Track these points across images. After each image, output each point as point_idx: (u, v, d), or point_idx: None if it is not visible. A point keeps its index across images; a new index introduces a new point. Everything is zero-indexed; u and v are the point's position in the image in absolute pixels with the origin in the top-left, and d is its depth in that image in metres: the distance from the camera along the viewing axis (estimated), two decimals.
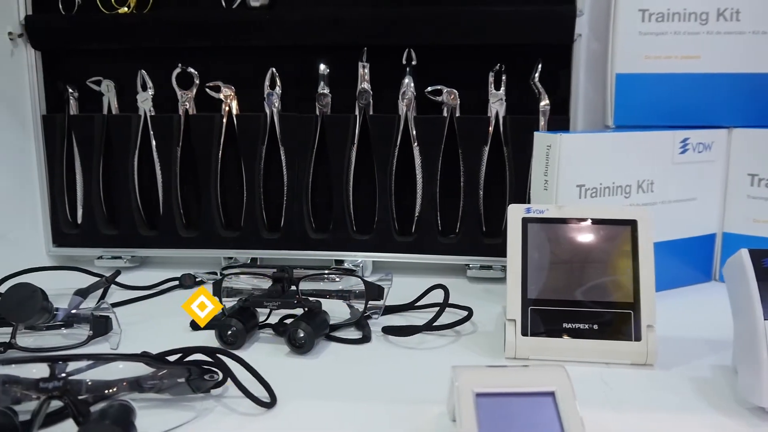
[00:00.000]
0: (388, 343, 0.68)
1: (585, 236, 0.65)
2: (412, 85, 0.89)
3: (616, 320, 0.62)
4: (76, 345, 0.67)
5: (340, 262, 0.93)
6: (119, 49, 0.93)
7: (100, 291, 0.81)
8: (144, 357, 0.54)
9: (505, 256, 0.65)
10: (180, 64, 0.93)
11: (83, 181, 0.96)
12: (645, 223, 0.64)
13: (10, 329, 0.65)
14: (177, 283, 0.88)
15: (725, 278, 0.58)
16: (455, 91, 0.89)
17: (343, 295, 0.73)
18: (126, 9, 0.92)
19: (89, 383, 0.51)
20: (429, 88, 0.89)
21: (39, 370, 0.49)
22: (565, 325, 0.62)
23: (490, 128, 0.89)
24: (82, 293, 0.75)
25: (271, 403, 0.54)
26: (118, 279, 0.83)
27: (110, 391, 0.51)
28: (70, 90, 0.95)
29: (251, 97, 0.93)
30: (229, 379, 0.54)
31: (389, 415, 0.53)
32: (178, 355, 0.56)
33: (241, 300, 0.70)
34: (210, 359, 0.55)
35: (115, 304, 0.76)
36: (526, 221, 0.65)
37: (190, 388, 0.53)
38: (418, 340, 0.68)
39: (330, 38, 0.89)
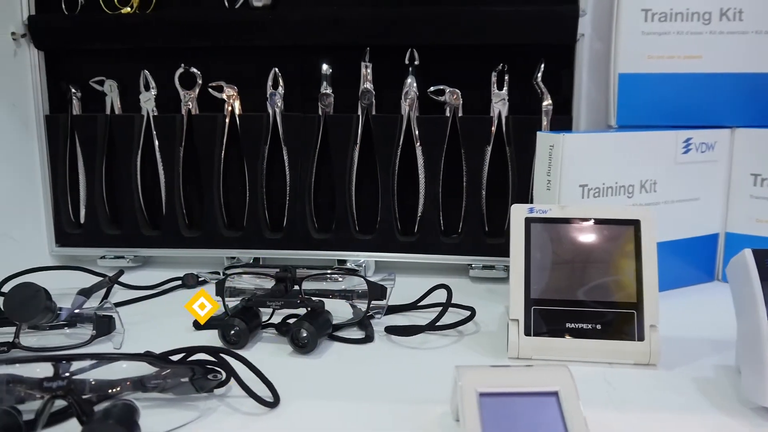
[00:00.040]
0: (390, 342, 0.68)
1: (588, 236, 0.65)
2: (415, 85, 0.89)
3: (619, 320, 0.61)
4: (80, 345, 0.67)
5: (342, 262, 0.93)
6: (122, 49, 0.94)
7: (104, 291, 0.81)
8: (147, 357, 0.54)
9: (507, 256, 0.65)
10: (183, 64, 0.93)
11: (86, 181, 0.97)
12: (648, 223, 0.64)
13: (13, 329, 0.65)
14: (180, 282, 0.88)
15: (729, 278, 0.58)
16: (458, 91, 0.89)
17: (346, 294, 0.73)
18: (129, 9, 0.92)
19: (93, 383, 0.51)
20: (432, 88, 0.89)
21: (43, 370, 0.49)
22: (568, 325, 0.62)
23: (493, 128, 0.89)
24: (86, 293, 0.75)
25: (274, 403, 0.54)
26: (121, 279, 0.83)
27: (114, 390, 0.51)
28: (73, 90, 0.95)
29: (254, 97, 0.93)
30: (232, 379, 0.54)
31: (392, 414, 0.53)
32: (182, 355, 0.57)
33: (244, 300, 0.70)
34: (213, 359, 0.55)
35: (118, 304, 0.76)
36: (529, 221, 0.65)
37: (194, 388, 0.53)
38: (421, 340, 0.68)
39: (333, 38, 0.89)
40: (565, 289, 0.63)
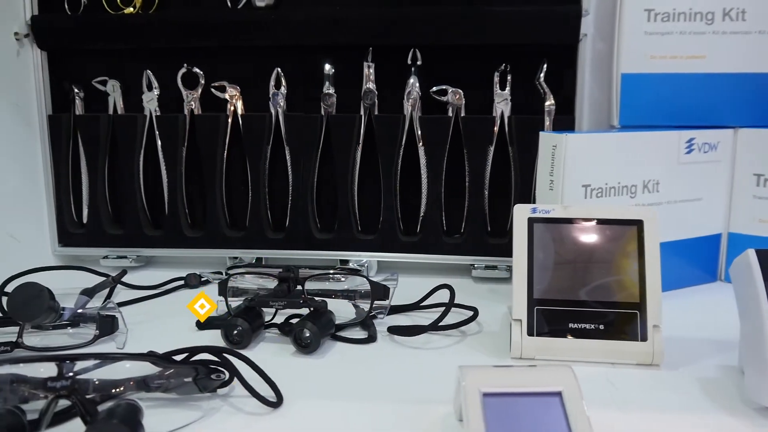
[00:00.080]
0: (393, 342, 0.68)
1: (591, 236, 0.65)
2: (417, 85, 0.89)
3: (622, 320, 0.62)
4: (83, 344, 0.67)
5: (345, 262, 0.93)
6: (125, 49, 0.94)
7: (107, 290, 0.81)
8: (151, 356, 0.54)
9: (510, 256, 0.65)
10: (185, 64, 0.93)
11: (89, 180, 0.97)
12: (651, 224, 0.64)
13: (16, 328, 0.65)
14: (182, 282, 0.88)
15: (732, 278, 0.58)
16: (460, 91, 0.89)
17: (348, 294, 0.73)
18: (132, 9, 0.92)
19: (96, 383, 0.51)
20: (434, 88, 0.89)
21: (46, 370, 0.49)
22: (571, 325, 0.62)
23: (495, 128, 0.89)
24: (89, 293, 0.75)
25: (277, 403, 0.54)
26: (124, 278, 0.84)
27: (117, 390, 0.51)
28: (76, 90, 0.95)
29: (256, 97, 0.93)
30: (235, 379, 0.55)
31: (395, 414, 0.53)
32: (185, 355, 0.57)
33: (246, 300, 0.70)
34: (216, 359, 0.56)
35: (120, 304, 0.76)
36: (531, 221, 0.65)
37: (197, 388, 0.53)
38: (424, 340, 0.68)
39: (335, 38, 0.89)
40: (568, 290, 0.63)
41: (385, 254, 0.92)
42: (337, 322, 0.69)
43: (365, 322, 0.71)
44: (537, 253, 0.64)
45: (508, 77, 0.88)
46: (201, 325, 0.72)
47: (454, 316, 0.70)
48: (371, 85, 0.90)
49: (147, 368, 0.53)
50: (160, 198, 0.96)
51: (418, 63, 0.89)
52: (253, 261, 0.95)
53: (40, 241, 0.97)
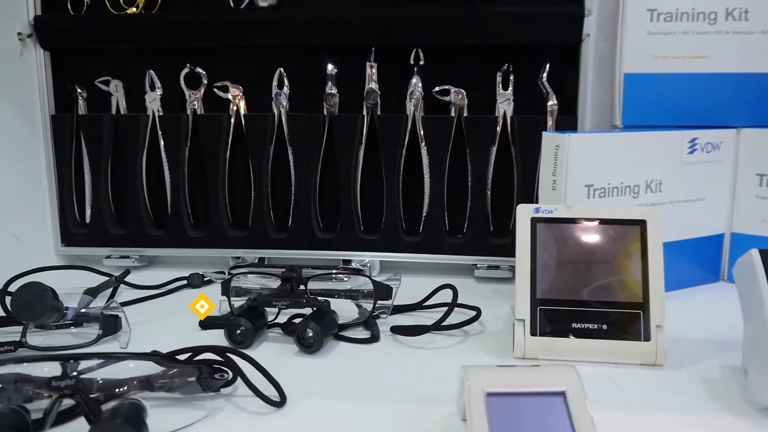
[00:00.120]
0: (396, 342, 0.68)
1: (594, 236, 0.65)
2: (420, 85, 0.89)
3: (625, 320, 0.62)
4: (86, 344, 0.67)
5: (347, 261, 0.93)
6: (128, 49, 0.94)
7: (110, 290, 0.81)
8: (154, 356, 0.54)
9: (512, 256, 0.65)
10: (188, 64, 0.93)
11: (92, 180, 0.97)
12: (654, 224, 0.64)
13: (20, 328, 0.65)
14: (185, 282, 0.88)
15: (735, 278, 0.58)
16: (463, 91, 0.89)
17: (351, 294, 0.73)
18: (134, 9, 0.92)
19: (100, 382, 0.51)
20: (437, 88, 0.89)
21: (50, 369, 0.49)
22: (574, 325, 0.62)
23: (498, 128, 0.89)
24: (92, 292, 0.75)
25: (280, 403, 0.54)
26: (127, 278, 0.84)
27: (121, 389, 0.52)
28: (79, 90, 0.95)
29: (259, 97, 0.93)
30: (239, 379, 0.55)
31: (398, 414, 0.53)
32: (188, 354, 0.57)
33: (249, 299, 0.70)
34: (220, 358, 0.56)
35: (123, 304, 0.76)
36: (535, 221, 0.65)
37: (201, 387, 0.53)
38: (427, 340, 0.68)
39: (338, 38, 0.89)
40: (571, 289, 0.63)
41: (388, 254, 0.92)
42: (340, 321, 0.69)
43: (368, 321, 0.71)
44: (540, 253, 0.64)
45: (511, 77, 0.88)
46: (204, 325, 0.72)
47: (457, 315, 0.70)
48: (374, 85, 0.90)
49: (150, 368, 0.53)
50: (163, 198, 0.96)
51: (421, 63, 0.89)
52: (256, 261, 0.95)
53: (43, 241, 0.97)
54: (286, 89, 0.92)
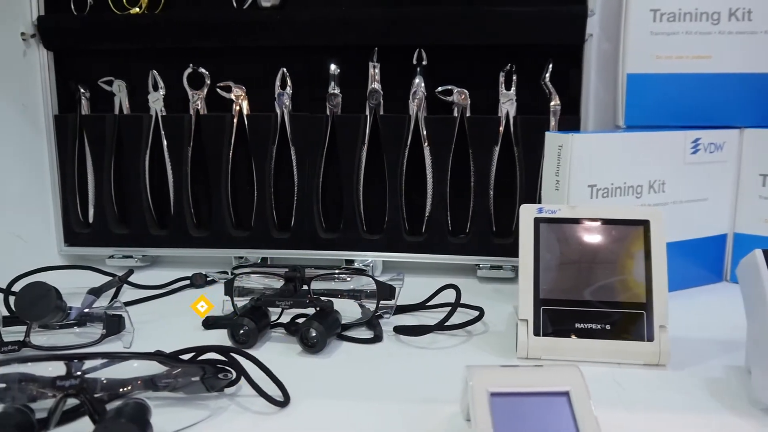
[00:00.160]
0: (399, 342, 0.68)
1: (597, 236, 0.65)
2: (423, 85, 0.89)
3: (628, 320, 0.61)
4: (90, 344, 0.67)
5: (350, 261, 0.93)
6: (131, 49, 0.94)
7: (113, 290, 0.81)
8: (158, 356, 0.54)
9: (515, 256, 0.65)
10: (191, 65, 0.93)
11: (95, 180, 0.97)
12: (658, 224, 0.64)
13: (23, 328, 0.65)
14: (188, 282, 0.88)
15: (739, 279, 0.58)
16: (466, 91, 0.89)
17: (354, 294, 0.73)
18: (137, 9, 0.93)
19: (104, 381, 0.51)
20: (439, 88, 0.89)
21: (55, 369, 0.49)
22: (577, 325, 0.62)
23: (501, 128, 0.89)
24: (95, 292, 0.75)
25: (284, 402, 0.54)
26: (129, 278, 0.84)
27: (125, 389, 0.52)
28: (82, 90, 0.95)
29: (262, 97, 0.93)
30: (242, 378, 0.55)
31: (401, 414, 0.53)
32: (192, 354, 0.57)
33: (253, 299, 0.70)
34: (223, 358, 0.56)
35: (126, 303, 0.76)
36: (538, 221, 0.65)
37: (205, 387, 0.53)
38: (430, 340, 0.68)
39: (341, 38, 0.89)
40: (575, 290, 0.63)
41: (391, 254, 0.92)
42: (343, 321, 0.69)
43: (371, 321, 0.71)
44: (543, 253, 0.64)
45: (514, 77, 0.88)
46: (207, 325, 0.72)
47: (460, 315, 0.70)
48: (377, 85, 0.90)
49: (154, 367, 0.53)
50: (166, 198, 0.96)
51: (424, 63, 0.89)
52: (259, 261, 0.95)
53: (46, 241, 0.97)
54: (288, 89, 0.92)
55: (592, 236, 0.64)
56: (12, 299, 0.69)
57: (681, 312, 0.73)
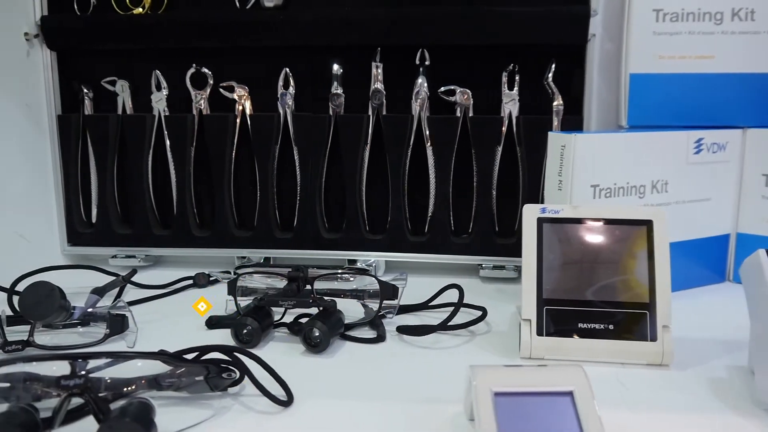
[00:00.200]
0: (402, 342, 0.68)
1: (600, 236, 0.65)
2: (426, 85, 0.89)
3: (631, 320, 0.62)
4: (93, 343, 0.67)
5: (353, 261, 0.93)
6: (134, 49, 0.94)
7: (116, 290, 0.81)
8: (162, 355, 0.54)
9: (517, 256, 0.65)
10: (194, 65, 0.93)
11: (98, 180, 0.97)
12: (661, 224, 0.64)
13: (27, 327, 0.65)
14: (191, 282, 0.88)
15: (742, 279, 0.58)
16: (468, 91, 0.89)
17: (357, 294, 0.73)
18: (141, 10, 0.93)
19: (108, 381, 0.51)
20: (442, 88, 0.89)
21: (59, 368, 0.49)
22: (580, 325, 0.62)
23: (504, 128, 0.89)
24: (99, 292, 0.75)
25: (288, 402, 0.54)
26: (132, 278, 0.84)
27: (129, 389, 0.52)
28: (85, 90, 0.96)
29: (265, 97, 0.93)
30: (246, 378, 0.55)
31: (405, 414, 0.53)
32: (195, 354, 0.57)
33: (256, 299, 0.70)
34: (227, 358, 0.56)
35: (129, 303, 0.76)
36: (541, 221, 0.65)
37: (208, 387, 0.54)
38: (433, 340, 0.68)
39: (343, 38, 0.89)
40: (577, 290, 0.63)
41: (393, 254, 0.93)
42: (346, 321, 0.69)
43: (374, 321, 0.71)
44: (546, 253, 0.64)
45: (516, 77, 0.88)
46: (210, 325, 0.72)
47: (463, 315, 0.70)
48: (379, 85, 0.90)
49: (158, 367, 0.53)
50: (169, 198, 0.96)
51: (427, 63, 0.89)
52: (261, 261, 0.95)
53: (50, 241, 0.97)
54: (291, 89, 0.92)
55: (595, 236, 0.64)
56: (16, 299, 0.69)
57: (684, 312, 0.73)
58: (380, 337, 0.68)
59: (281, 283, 0.71)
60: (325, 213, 0.95)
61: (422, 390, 0.57)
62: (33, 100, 0.95)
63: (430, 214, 0.92)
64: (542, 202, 0.83)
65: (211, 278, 0.88)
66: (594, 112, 0.89)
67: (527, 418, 0.43)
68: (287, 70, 0.92)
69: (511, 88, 0.88)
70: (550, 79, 0.87)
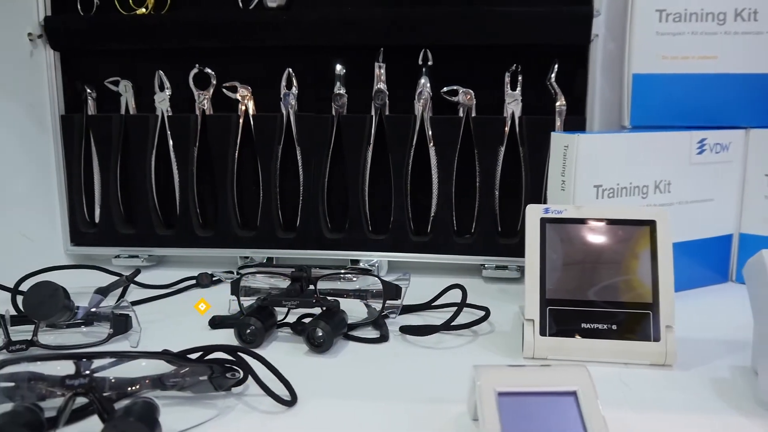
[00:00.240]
0: (405, 342, 0.68)
1: (603, 237, 0.65)
2: (428, 85, 0.89)
3: (634, 321, 0.62)
4: (97, 343, 0.67)
5: (355, 261, 0.93)
6: (137, 49, 0.94)
7: (120, 290, 0.81)
8: (166, 355, 0.54)
9: (520, 256, 0.65)
10: (197, 65, 0.93)
11: (101, 180, 0.97)
12: (664, 224, 0.64)
13: (31, 327, 0.65)
14: (194, 282, 0.88)
15: (745, 279, 0.58)
16: (471, 92, 0.89)
17: (360, 294, 0.73)
18: (144, 10, 0.93)
19: (113, 380, 0.51)
20: (445, 89, 0.89)
21: (63, 368, 0.50)
22: (583, 325, 0.62)
23: (506, 128, 0.89)
24: (103, 291, 0.75)
25: (291, 402, 0.54)
26: (136, 278, 0.84)
27: (134, 388, 0.52)
28: (89, 90, 0.96)
29: (268, 98, 0.93)
30: (249, 378, 0.55)
31: (408, 414, 0.53)
32: (199, 353, 0.57)
33: (259, 299, 0.70)
34: (231, 357, 0.56)
35: (133, 303, 0.76)
36: (544, 221, 0.65)
37: (212, 386, 0.54)
38: (436, 340, 0.68)
39: (346, 39, 0.89)
40: (581, 290, 0.63)
41: (396, 254, 0.93)
42: (349, 321, 0.69)
43: (377, 321, 0.71)
44: (549, 254, 0.64)
45: (519, 77, 0.88)
46: (214, 324, 0.72)
47: (466, 315, 0.70)
48: (382, 86, 0.90)
49: (162, 367, 0.53)
50: (172, 198, 0.96)
51: (429, 63, 0.89)
52: (264, 261, 0.95)
53: (53, 241, 0.98)
54: (294, 89, 0.92)
55: (598, 236, 0.65)
56: (20, 298, 0.69)
57: (687, 312, 0.73)
58: (383, 337, 0.68)
59: (284, 283, 0.71)
60: (328, 213, 0.95)
61: (426, 390, 0.57)
62: (36, 100, 0.95)
63: (432, 214, 0.92)
64: (545, 203, 0.83)
65: (214, 278, 0.88)
66: (597, 113, 0.89)
67: (531, 417, 0.43)
68: (290, 70, 0.92)
69: (513, 89, 0.88)
70: (552, 80, 0.87)
